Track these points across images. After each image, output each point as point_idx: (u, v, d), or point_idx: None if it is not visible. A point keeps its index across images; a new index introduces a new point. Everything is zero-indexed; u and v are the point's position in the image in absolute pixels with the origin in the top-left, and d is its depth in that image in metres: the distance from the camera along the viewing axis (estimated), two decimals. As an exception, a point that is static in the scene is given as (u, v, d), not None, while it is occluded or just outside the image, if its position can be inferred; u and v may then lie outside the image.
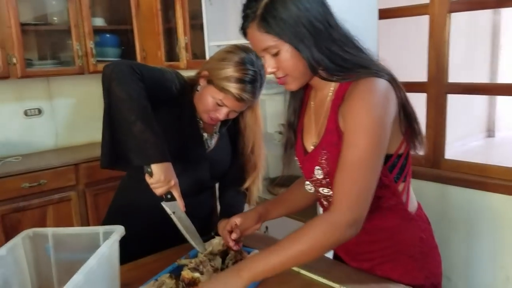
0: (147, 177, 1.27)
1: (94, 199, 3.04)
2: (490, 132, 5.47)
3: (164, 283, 1.16)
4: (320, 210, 1.41)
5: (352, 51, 1.11)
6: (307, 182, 1.27)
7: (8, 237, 2.65)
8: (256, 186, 1.61)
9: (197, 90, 1.49)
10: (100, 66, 3.16)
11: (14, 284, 1.10)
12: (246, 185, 1.59)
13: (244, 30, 1.14)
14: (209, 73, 1.42)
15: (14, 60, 2.82)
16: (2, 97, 3.12)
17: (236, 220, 1.36)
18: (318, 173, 1.18)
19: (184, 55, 3.13)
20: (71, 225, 2.95)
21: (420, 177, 2.33)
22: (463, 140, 4.04)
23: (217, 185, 1.73)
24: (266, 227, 2.50)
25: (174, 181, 1.29)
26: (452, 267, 2.29)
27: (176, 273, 1.22)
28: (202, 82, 1.46)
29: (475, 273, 2.22)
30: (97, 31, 3.23)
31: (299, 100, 1.31)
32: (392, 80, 1.11)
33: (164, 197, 1.31)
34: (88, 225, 3.00)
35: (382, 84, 1.07)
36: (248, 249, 1.40)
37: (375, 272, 1.26)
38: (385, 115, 1.06)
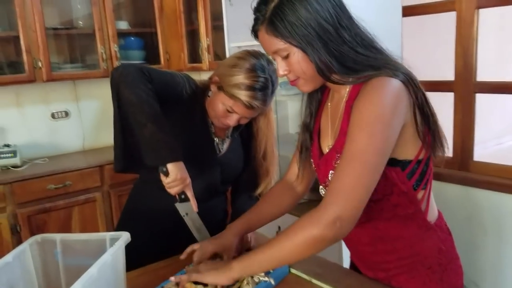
0: (162, 177, 1.27)
1: (119, 200, 3.07)
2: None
3: (170, 291, 1.14)
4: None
5: (365, 52, 1.06)
6: (321, 187, 1.23)
7: (34, 237, 2.70)
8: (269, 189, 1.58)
9: (208, 96, 1.47)
10: (124, 69, 3.21)
11: (21, 289, 1.10)
12: (259, 190, 1.56)
13: (255, 33, 1.11)
14: (219, 79, 1.40)
15: (40, 64, 2.87)
16: (30, 100, 3.20)
17: (208, 249, 1.30)
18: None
19: (206, 57, 3.13)
20: (96, 225, 3.00)
21: (447, 179, 2.25)
22: (497, 140, 3.87)
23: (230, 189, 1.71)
24: (279, 227, 2.46)
25: (188, 180, 1.29)
26: (480, 273, 2.19)
27: (182, 281, 1.20)
28: (213, 87, 1.43)
29: (504, 280, 2.12)
30: (121, 34, 3.27)
31: (315, 102, 1.27)
32: (408, 80, 1.05)
33: (177, 197, 1.30)
34: (113, 225, 3.04)
35: (393, 84, 1.02)
36: None
37: (390, 283, 1.20)
38: (390, 114, 1.00)
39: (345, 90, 1.14)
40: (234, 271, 1.11)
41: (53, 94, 3.28)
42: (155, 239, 1.47)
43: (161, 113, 1.28)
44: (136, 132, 1.26)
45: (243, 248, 1.40)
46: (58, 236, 1.19)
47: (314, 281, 1.24)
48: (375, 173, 1.00)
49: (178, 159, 1.26)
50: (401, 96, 1.02)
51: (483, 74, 2.22)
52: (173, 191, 1.28)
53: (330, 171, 1.14)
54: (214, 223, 1.52)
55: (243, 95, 1.34)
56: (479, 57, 2.18)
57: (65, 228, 2.86)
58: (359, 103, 1.03)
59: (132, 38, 3.38)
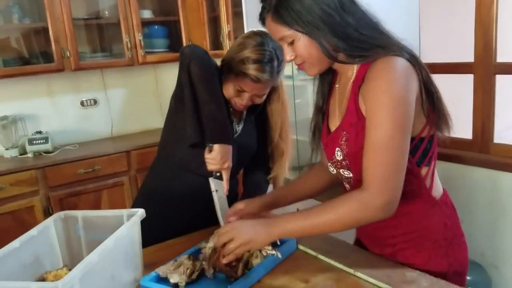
0: (206, 151, 1.38)
1: (145, 184, 3.18)
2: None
3: (182, 263, 1.21)
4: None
5: (370, 34, 1.11)
6: (329, 164, 1.28)
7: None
8: (283, 172, 1.63)
9: (223, 79, 1.52)
10: (149, 58, 3.29)
11: (46, 261, 1.20)
12: (272, 173, 1.61)
13: (262, 21, 1.17)
14: (228, 61, 1.45)
15: (68, 54, 2.99)
16: (60, 89, 3.34)
17: (240, 205, 1.36)
18: (338, 155, 1.20)
19: (227, 43, 3.17)
20: (124, 207, 3.09)
21: (467, 162, 2.24)
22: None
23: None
24: (297, 209, 2.51)
25: (228, 164, 1.38)
26: (500, 256, 2.18)
27: (195, 255, 1.27)
28: (224, 70, 1.48)
29: (525, 263, 2.11)
30: (145, 23, 3.35)
31: (327, 84, 1.31)
32: (413, 59, 1.10)
33: (213, 174, 1.39)
34: (140, 208, 3.15)
35: (401, 62, 1.07)
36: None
37: (396, 258, 1.24)
38: (406, 93, 1.05)
39: (352, 71, 1.18)
40: (272, 233, 1.13)
41: (82, 83, 3.41)
42: (172, 217, 1.54)
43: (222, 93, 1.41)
44: (200, 106, 1.37)
45: None
46: (79, 213, 1.27)
47: (321, 257, 1.29)
48: (405, 154, 1.07)
49: (225, 142, 1.36)
50: (410, 73, 1.07)
51: (505, 55, 2.18)
52: (209, 167, 1.38)
53: (336, 148, 1.19)
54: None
55: (250, 69, 1.39)
56: (500, 38, 2.14)
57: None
58: (371, 86, 1.07)
59: (156, 27, 3.45)
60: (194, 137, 1.38)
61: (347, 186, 1.27)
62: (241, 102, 1.48)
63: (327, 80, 1.30)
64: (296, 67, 1.41)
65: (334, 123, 1.25)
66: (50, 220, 1.23)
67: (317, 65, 1.16)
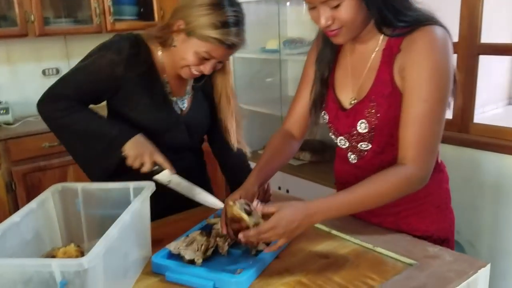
0: (127, 163, 1.26)
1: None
2: (511, 100, 5.30)
3: (195, 239, 1.14)
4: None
5: (412, 6, 1.10)
6: (341, 137, 1.24)
7: (29, 196, 2.66)
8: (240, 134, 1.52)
9: (174, 46, 1.33)
10: (118, 25, 3.11)
11: (45, 237, 1.09)
12: (233, 139, 1.49)
13: None
14: (185, 23, 1.27)
15: (32, 18, 2.76)
16: (20, 56, 3.10)
17: (236, 196, 1.19)
18: (362, 127, 1.16)
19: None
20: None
21: (447, 141, 2.27)
22: (482, 108, 3.93)
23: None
24: (287, 191, 2.48)
25: (149, 150, 1.27)
26: (477, 233, 2.25)
27: (206, 230, 1.20)
28: (178, 35, 1.31)
29: (500, 240, 2.18)
30: (114, -12, 3.15)
31: (333, 54, 1.26)
32: (446, 29, 1.09)
33: (153, 171, 1.27)
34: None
35: (441, 32, 1.06)
36: None
37: (399, 227, 1.25)
38: (448, 66, 1.06)
39: (376, 41, 1.14)
40: (316, 222, 1.08)
41: (44, 50, 3.18)
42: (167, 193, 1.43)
43: (86, 115, 1.33)
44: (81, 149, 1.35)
45: (265, 197, 1.39)
46: (79, 185, 1.17)
47: (334, 232, 1.26)
48: (443, 125, 1.10)
49: (125, 138, 1.26)
50: (449, 43, 1.07)
51: (491, 36, 2.22)
52: (144, 169, 1.26)
53: (361, 121, 1.15)
54: (195, 178, 1.40)
55: (225, 34, 1.25)
56: (487, 19, 2.17)
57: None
58: (416, 58, 1.05)
59: (126, -7, 3.26)
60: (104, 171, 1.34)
61: (352, 157, 1.24)
62: (202, 70, 1.32)
63: (334, 49, 1.25)
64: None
65: (347, 96, 1.21)
66: (48, 193, 1.12)
67: (354, 32, 1.11)
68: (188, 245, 1.13)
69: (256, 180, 1.27)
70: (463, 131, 2.30)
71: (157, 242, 1.18)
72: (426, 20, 1.07)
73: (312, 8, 1.09)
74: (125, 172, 1.26)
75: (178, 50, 1.33)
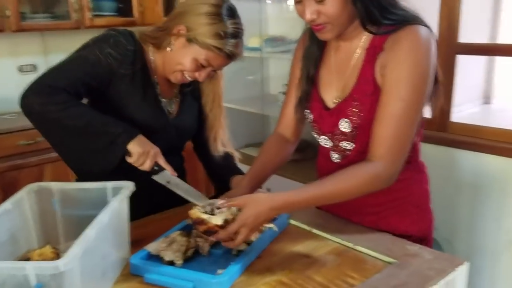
0: (128, 159, 1.22)
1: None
2: (486, 99, 5.40)
3: (175, 240, 1.12)
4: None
5: (398, 4, 1.09)
6: (324, 137, 1.23)
7: (5, 195, 2.59)
8: (215, 150, 1.51)
9: (170, 49, 1.31)
10: (97, 21, 3.05)
11: (21, 238, 1.06)
12: (220, 147, 1.50)
13: None
14: (187, 29, 1.27)
15: (8, 13, 2.69)
16: (-5, 52, 3.02)
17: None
18: (345, 126, 1.15)
19: (184, 11, 3.02)
20: (69, 184, 2.91)
21: (426, 140, 2.29)
22: (459, 107, 4.00)
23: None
24: (268, 189, 2.47)
25: (153, 150, 1.23)
26: (454, 231, 2.28)
27: (186, 230, 1.18)
28: (178, 40, 1.29)
29: (477, 238, 2.21)
30: (93, -17, 3.09)
31: (320, 52, 1.25)
32: (430, 30, 1.10)
33: (152, 169, 1.25)
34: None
35: (425, 33, 1.06)
36: None
37: (378, 226, 1.25)
38: (429, 67, 1.05)
39: (360, 39, 1.14)
40: (277, 211, 1.09)
41: (21, 46, 3.10)
42: (146, 193, 1.39)
43: (86, 110, 1.24)
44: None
45: None
46: (55, 185, 1.14)
47: (315, 231, 1.26)
48: (416, 127, 1.09)
49: (131, 136, 1.21)
50: (432, 44, 1.07)
51: (471, 36, 2.25)
52: (144, 167, 1.23)
53: (343, 119, 1.15)
54: None
55: (227, 44, 1.26)
56: (466, 19, 2.20)
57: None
58: (397, 56, 1.05)
59: (105, -11, 3.20)
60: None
61: (335, 156, 1.24)
62: (197, 76, 1.32)
63: (321, 46, 1.24)
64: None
65: (331, 94, 1.21)
66: (22, 193, 1.09)
67: (339, 28, 1.10)
68: (168, 245, 1.11)
69: (248, 184, 1.27)
70: (442, 130, 2.33)
71: (137, 243, 1.16)
72: (412, 19, 1.07)
73: (298, 1, 1.08)
74: (118, 171, 1.22)
75: (175, 54, 1.31)
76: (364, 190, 1.09)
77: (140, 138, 1.23)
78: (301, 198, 1.07)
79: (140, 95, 1.34)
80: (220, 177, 1.55)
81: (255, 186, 1.29)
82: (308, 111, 1.27)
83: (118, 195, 1.05)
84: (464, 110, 3.42)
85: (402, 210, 1.25)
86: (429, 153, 2.27)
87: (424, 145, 2.25)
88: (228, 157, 1.55)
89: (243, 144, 2.71)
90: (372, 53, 1.10)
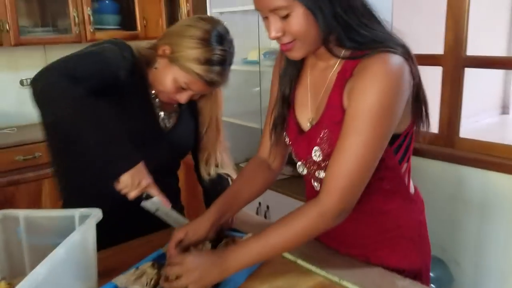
0: (115, 184, 1.13)
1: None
2: (504, 108, 5.25)
3: (145, 272, 1.05)
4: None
5: (369, 24, 0.98)
6: (300, 164, 1.15)
7: (3, 211, 2.57)
8: (206, 172, 1.45)
9: (155, 68, 1.29)
10: (98, 35, 3.02)
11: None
12: (212, 171, 1.44)
13: None
14: (171, 51, 1.23)
15: (7, 27, 2.68)
16: (-4, 66, 3.01)
17: (180, 234, 1.13)
18: (317, 155, 1.06)
19: (185, 24, 2.98)
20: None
21: (432, 156, 2.20)
22: (475, 117, 3.87)
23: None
24: (259, 203, 2.38)
25: (145, 182, 1.14)
26: (462, 251, 2.17)
27: (160, 261, 1.11)
28: (162, 60, 1.26)
29: (485, 258, 2.10)
30: (95, -3, 3.08)
31: (297, 70, 1.16)
32: (407, 55, 0.98)
33: (142, 196, 1.17)
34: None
35: (397, 62, 0.95)
36: (241, 234, 1.28)
37: (369, 260, 1.16)
38: (396, 103, 0.95)
39: (335, 60, 1.05)
40: (230, 265, 1.01)
41: (22, 60, 3.09)
42: (123, 218, 1.28)
43: (102, 117, 1.13)
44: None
45: (225, 229, 1.29)
46: (21, 213, 1.08)
47: (300, 261, 1.17)
48: (375, 165, 0.99)
49: (128, 167, 1.12)
50: (404, 75, 0.96)
51: (475, 48, 2.15)
52: (130, 196, 1.14)
53: (315, 147, 1.06)
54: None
55: (207, 71, 1.20)
56: (471, 31, 2.10)
57: (35, 201, 2.72)
58: (362, 86, 0.95)
59: (107, 2, 3.18)
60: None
61: (315, 184, 1.15)
62: (178, 99, 1.28)
63: (297, 65, 1.15)
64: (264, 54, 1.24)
65: (306, 116, 1.12)
66: (-15, 221, 1.03)
67: (308, 47, 1.01)
68: (137, 278, 1.04)
69: (214, 213, 1.18)
70: (449, 145, 2.23)
71: (109, 272, 1.09)
72: (383, 41, 0.96)
73: (264, 17, 1.00)
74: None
75: (159, 74, 1.28)
76: (314, 231, 1.01)
77: (137, 167, 1.14)
78: (247, 255, 1.01)
79: (136, 104, 1.30)
80: (209, 202, 1.46)
81: (223, 216, 1.20)
82: (285, 133, 1.19)
83: (82, 225, 0.98)
84: (481, 120, 3.31)
85: (393, 244, 1.15)
86: (435, 170, 2.18)
87: (430, 162, 2.19)
88: (221, 181, 1.47)
89: (242, 158, 2.64)
90: (342, 77, 1.01)
